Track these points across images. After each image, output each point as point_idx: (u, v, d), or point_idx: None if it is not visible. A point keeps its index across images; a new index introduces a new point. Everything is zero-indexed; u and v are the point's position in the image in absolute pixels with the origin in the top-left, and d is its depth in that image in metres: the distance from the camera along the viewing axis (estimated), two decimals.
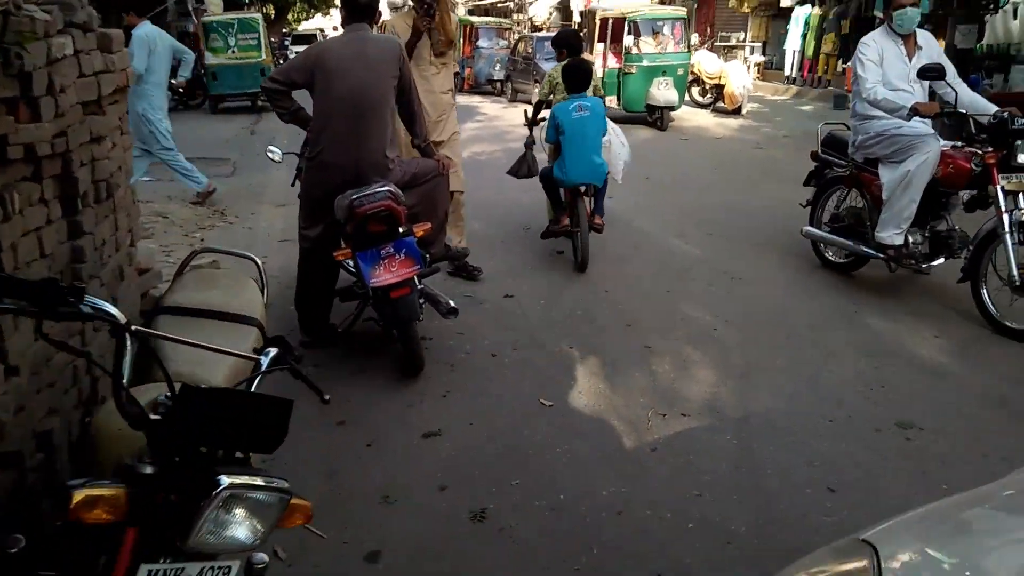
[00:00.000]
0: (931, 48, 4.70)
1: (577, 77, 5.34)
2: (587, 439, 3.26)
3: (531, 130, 6.09)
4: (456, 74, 5.44)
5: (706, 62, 14.95)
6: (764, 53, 20.16)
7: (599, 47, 14.08)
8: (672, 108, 12.80)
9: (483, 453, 3.17)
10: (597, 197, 5.52)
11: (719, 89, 14.76)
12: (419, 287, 3.89)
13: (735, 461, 3.05)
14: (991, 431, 3.26)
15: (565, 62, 5.58)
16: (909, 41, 4.62)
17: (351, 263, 3.78)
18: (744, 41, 20.72)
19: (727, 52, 19.26)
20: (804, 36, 17.37)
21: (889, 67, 4.54)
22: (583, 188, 5.41)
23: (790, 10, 18.30)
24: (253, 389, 1.74)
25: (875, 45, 4.57)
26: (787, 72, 18.04)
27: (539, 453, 3.15)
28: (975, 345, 4.13)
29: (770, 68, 19.86)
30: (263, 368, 1.76)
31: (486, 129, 12.73)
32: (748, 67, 16.73)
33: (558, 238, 5.73)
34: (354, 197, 3.57)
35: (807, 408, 3.48)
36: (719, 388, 3.70)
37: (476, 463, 3.09)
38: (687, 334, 4.35)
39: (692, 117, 14.16)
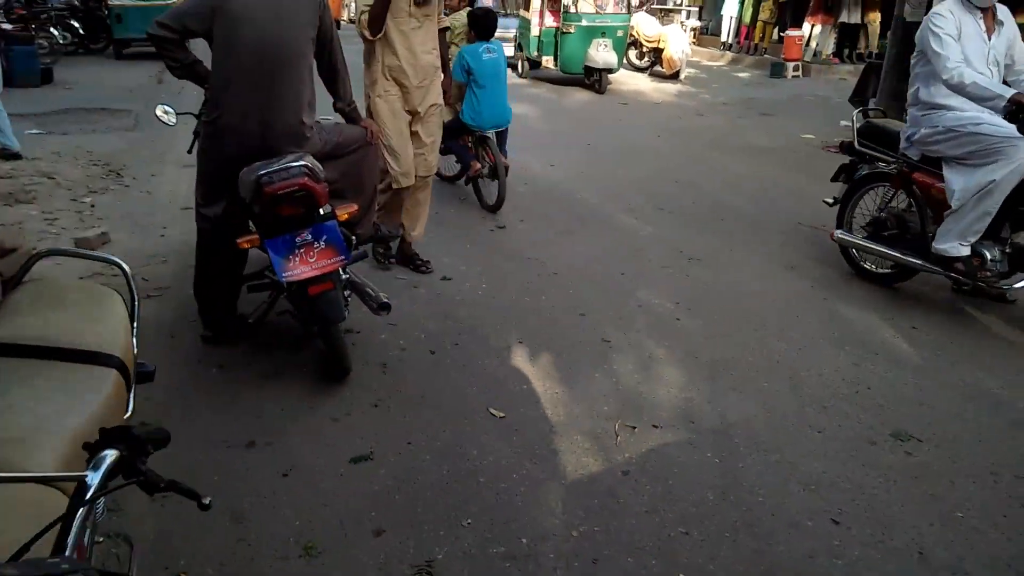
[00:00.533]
0: (1011, 26, 3.90)
1: (485, 23, 5.38)
2: (547, 461, 2.77)
3: None
4: (444, 30, 4.36)
5: (645, 25, 14.52)
6: (700, 18, 19.87)
7: (536, 4, 13.38)
8: (611, 71, 12.32)
9: (425, 483, 2.64)
10: (503, 139, 5.67)
11: (657, 53, 14.39)
12: (344, 277, 3.31)
13: (721, 488, 2.62)
14: (993, 440, 2.93)
15: (468, 9, 5.74)
16: (988, 15, 3.81)
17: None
18: (681, 5, 20.34)
19: (664, 16, 18.83)
20: (742, 2, 17.10)
21: (966, 44, 3.71)
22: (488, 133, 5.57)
23: None
24: (75, 530, 1.07)
25: (952, 17, 3.73)
26: (723, 38, 17.78)
27: (492, 481, 2.65)
28: (955, 337, 3.82)
29: (705, 33, 19.59)
30: (91, 491, 1.09)
31: None
32: (685, 31, 16.38)
33: (467, 184, 5.98)
34: (262, 172, 2.93)
35: (790, 416, 3.08)
36: (690, 392, 3.26)
37: (417, 497, 2.57)
38: (647, 325, 3.90)
39: (630, 81, 13.73)
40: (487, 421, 3.03)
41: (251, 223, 3.28)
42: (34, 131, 8.35)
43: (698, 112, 10.77)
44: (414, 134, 4.22)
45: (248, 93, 3.15)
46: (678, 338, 3.76)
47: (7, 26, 10.94)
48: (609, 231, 5.36)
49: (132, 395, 1.73)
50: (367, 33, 3.91)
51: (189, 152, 3.64)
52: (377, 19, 3.85)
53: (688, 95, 12.38)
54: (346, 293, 3.35)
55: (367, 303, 3.40)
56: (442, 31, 4.26)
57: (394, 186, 4.17)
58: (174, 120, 3.69)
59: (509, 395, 3.22)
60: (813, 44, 15.60)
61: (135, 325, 1.88)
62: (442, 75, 4.31)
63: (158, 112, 3.64)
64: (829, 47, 15.66)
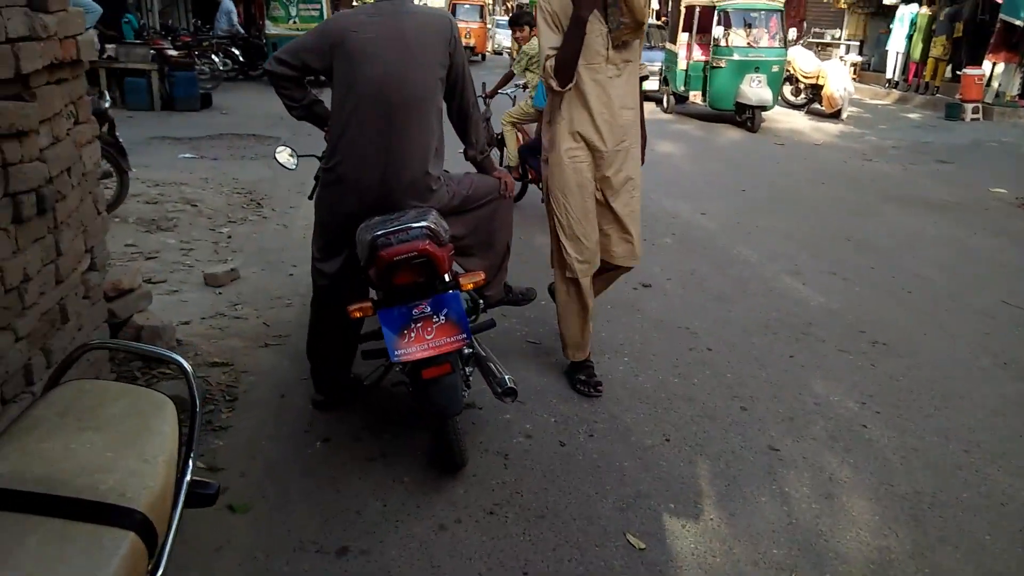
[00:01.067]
0: None
1: None
2: None
3: (486, 102, 6.31)
4: (644, 78, 3.51)
5: (801, 60, 13.55)
6: (861, 53, 18.48)
7: (683, 37, 12.78)
8: (765, 108, 11.47)
9: None
10: None
11: (815, 90, 13.37)
12: (467, 353, 2.85)
13: None
14: None
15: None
16: None
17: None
18: (840, 39, 19.05)
19: (821, 50, 17.64)
20: (910, 37, 15.68)
21: None
22: None
23: (893, 8, 16.60)
24: None
25: None
26: (889, 75, 16.39)
27: None
28: None
29: (867, 69, 18.19)
30: None
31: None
32: (845, 67, 15.19)
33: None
34: (379, 233, 2.53)
35: None
36: (887, 538, 2.54)
37: None
38: (826, 431, 3.19)
39: (785, 119, 12.78)
40: (623, 552, 2.44)
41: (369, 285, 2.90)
42: (187, 155, 8.59)
43: (865, 156, 9.74)
44: (605, 207, 3.33)
45: (368, 140, 2.79)
46: (866, 453, 3.03)
47: (172, 52, 11.52)
48: (772, 299, 4.64)
49: (165, 554, 1.27)
50: (554, 83, 3.15)
51: (310, 199, 3.33)
52: (567, 65, 3.08)
53: (852, 136, 11.32)
54: (468, 370, 2.90)
55: (491, 385, 2.91)
56: (641, 80, 3.39)
57: (567, 274, 3.34)
58: (295, 163, 3.42)
59: (652, 516, 2.62)
60: (995, 84, 14.01)
61: (192, 443, 1.45)
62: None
63: (279, 157, 3.38)
64: (1014, 88, 14.00)
